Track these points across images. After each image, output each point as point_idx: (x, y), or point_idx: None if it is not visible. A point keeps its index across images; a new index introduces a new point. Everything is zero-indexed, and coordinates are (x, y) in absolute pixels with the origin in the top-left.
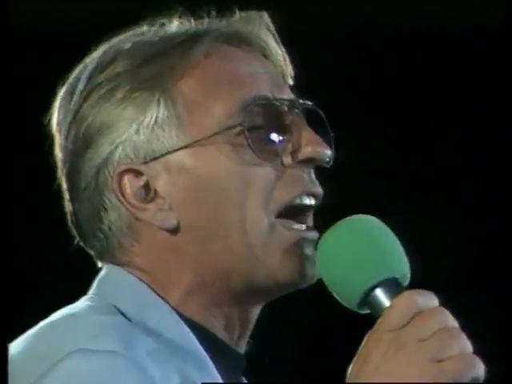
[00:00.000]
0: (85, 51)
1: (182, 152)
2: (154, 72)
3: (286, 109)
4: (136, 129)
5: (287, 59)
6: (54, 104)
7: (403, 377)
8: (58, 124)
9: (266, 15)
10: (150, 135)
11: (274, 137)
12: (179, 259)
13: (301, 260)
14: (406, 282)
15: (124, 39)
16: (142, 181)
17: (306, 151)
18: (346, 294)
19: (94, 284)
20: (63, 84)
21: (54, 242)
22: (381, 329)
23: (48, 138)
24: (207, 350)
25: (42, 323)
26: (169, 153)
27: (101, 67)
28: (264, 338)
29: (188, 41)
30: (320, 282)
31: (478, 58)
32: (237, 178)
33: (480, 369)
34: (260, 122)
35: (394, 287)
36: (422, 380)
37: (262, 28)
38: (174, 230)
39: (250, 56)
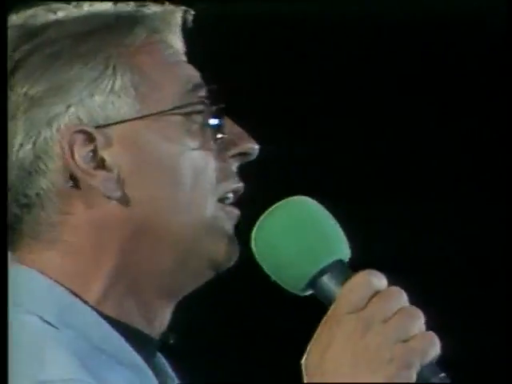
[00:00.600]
0: None
1: (137, 123)
2: (102, 40)
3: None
4: (91, 92)
5: None
6: None
7: (374, 358)
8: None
9: (183, 12)
10: (105, 101)
11: (215, 125)
12: (111, 236)
13: (234, 242)
14: (347, 260)
15: (41, 13)
16: (91, 146)
17: (244, 146)
18: (291, 280)
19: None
20: None
21: None
22: (341, 311)
23: None
24: (132, 345)
25: None
26: (123, 121)
27: (29, 34)
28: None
29: (128, 20)
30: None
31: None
32: (188, 159)
33: (439, 346)
34: (204, 109)
35: (342, 269)
36: (393, 361)
37: (178, 24)
38: (115, 203)
39: (176, 49)
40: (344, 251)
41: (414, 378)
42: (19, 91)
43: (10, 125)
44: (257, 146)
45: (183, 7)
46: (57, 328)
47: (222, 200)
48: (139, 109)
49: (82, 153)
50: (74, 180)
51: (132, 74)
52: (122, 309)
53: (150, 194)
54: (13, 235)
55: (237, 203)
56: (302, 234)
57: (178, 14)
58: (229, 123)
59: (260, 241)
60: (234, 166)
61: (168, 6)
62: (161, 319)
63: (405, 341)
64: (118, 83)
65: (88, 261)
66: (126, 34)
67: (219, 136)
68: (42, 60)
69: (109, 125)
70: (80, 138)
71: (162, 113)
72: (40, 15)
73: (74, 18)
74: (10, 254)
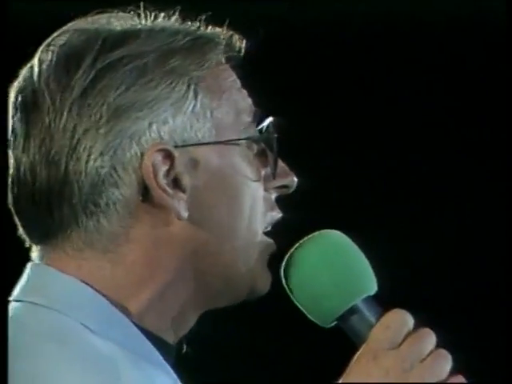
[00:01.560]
0: None
1: (211, 147)
2: (185, 60)
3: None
4: (174, 113)
5: None
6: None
7: None
8: (53, 93)
9: (241, 39)
10: (185, 122)
11: (270, 157)
12: (168, 255)
13: (269, 272)
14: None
15: (112, 21)
16: (169, 165)
17: (288, 179)
18: (321, 314)
19: (29, 287)
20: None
21: None
22: (378, 347)
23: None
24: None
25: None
26: (200, 144)
27: (111, 43)
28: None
29: (203, 43)
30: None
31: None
32: (248, 189)
33: None
34: (266, 140)
35: (373, 306)
36: None
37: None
38: (180, 223)
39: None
40: (373, 286)
41: None
42: (104, 100)
43: (90, 133)
44: (296, 180)
45: (238, 34)
46: (99, 337)
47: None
48: (214, 134)
49: (161, 170)
50: (145, 195)
51: (211, 99)
52: (159, 323)
53: (214, 218)
54: (58, 235)
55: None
56: (335, 269)
57: (239, 41)
58: (270, 154)
59: (292, 273)
60: (274, 197)
61: (228, 32)
62: (185, 330)
63: (441, 382)
64: (198, 106)
65: (139, 275)
66: (203, 57)
67: (273, 168)
68: (129, 72)
69: (187, 146)
70: (160, 155)
71: (234, 141)
72: (118, 23)
73: (151, 31)
74: (37, 248)
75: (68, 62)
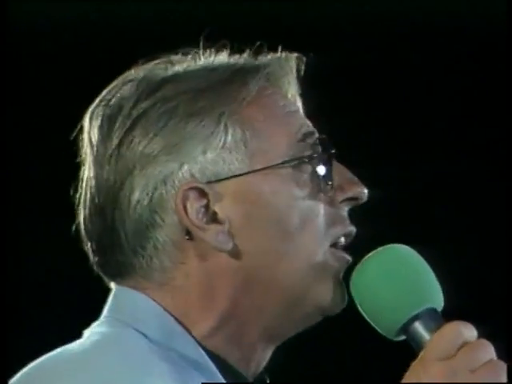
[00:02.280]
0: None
1: (247, 177)
2: (217, 97)
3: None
4: (203, 149)
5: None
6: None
7: None
8: (97, 146)
9: (293, 58)
10: (216, 157)
11: (325, 173)
12: (221, 284)
13: (343, 287)
14: (440, 309)
15: (161, 67)
16: (204, 201)
17: (354, 191)
18: (385, 325)
19: (110, 306)
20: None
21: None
22: (430, 357)
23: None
24: (227, 380)
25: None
26: (234, 176)
27: (148, 90)
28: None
29: (242, 73)
30: None
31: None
32: (295, 210)
33: None
34: (314, 158)
35: (435, 317)
36: None
37: (292, 71)
38: (226, 255)
39: (288, 97)
40: (437, 300)
41: None
42: (136, 148)
43: (128, 182)
44: (366, 191)
45: (296, 54)
46: (159, 347)
47: (334, 245)
48: (249, 163)
49: (194, 208)
50: (188, 233)
51: (242, 130)
52: (224, 348)
53: (259, 245)
54: (121, 274)
55: (348, 247)
56: (399, 281)
57: (292, 62)
58: (339, 168)
59: (358, 285)
60: (344, 210)
61: (282, 54)
62: (258, 360)
63: None
64: (229, 140)
65: (197, 303)
66: (240, 89)
67: (329, 183)
68: (159, 117)
69: (220, 180)
70: (193, 193)
71: (270, 167)
72: (159, 69)
73: (190, 72)
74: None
75: (112, 112)
